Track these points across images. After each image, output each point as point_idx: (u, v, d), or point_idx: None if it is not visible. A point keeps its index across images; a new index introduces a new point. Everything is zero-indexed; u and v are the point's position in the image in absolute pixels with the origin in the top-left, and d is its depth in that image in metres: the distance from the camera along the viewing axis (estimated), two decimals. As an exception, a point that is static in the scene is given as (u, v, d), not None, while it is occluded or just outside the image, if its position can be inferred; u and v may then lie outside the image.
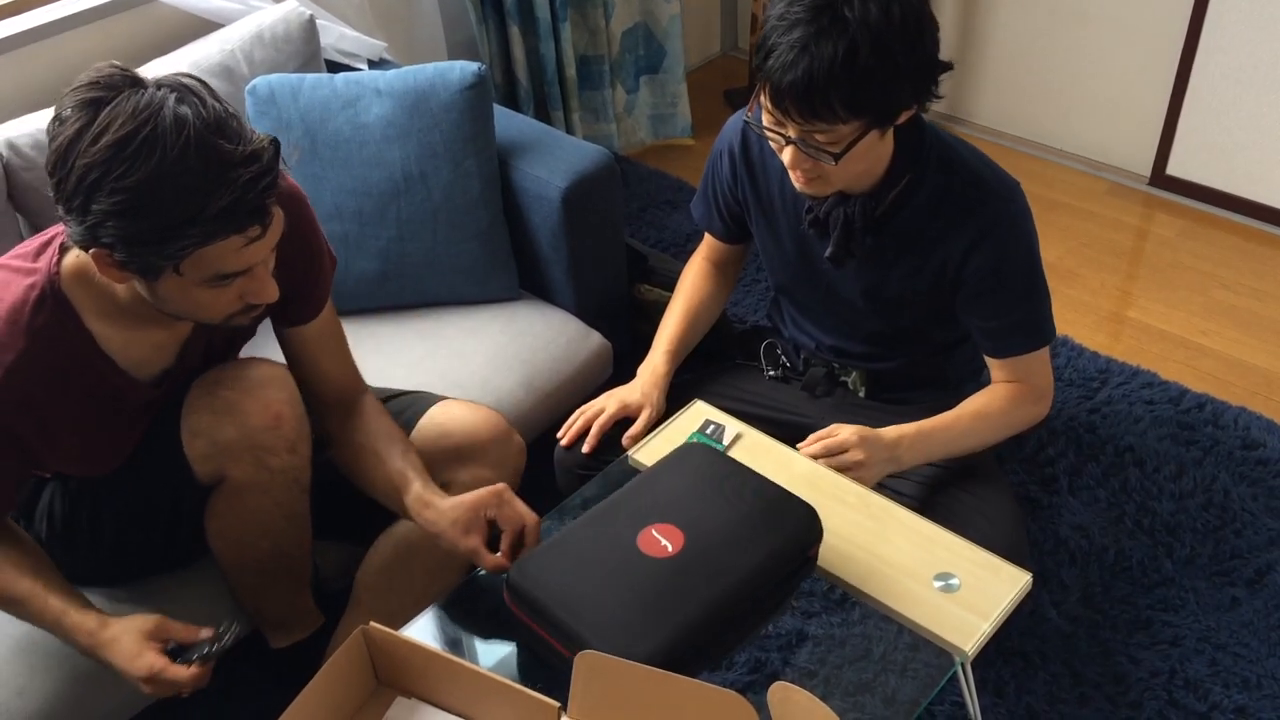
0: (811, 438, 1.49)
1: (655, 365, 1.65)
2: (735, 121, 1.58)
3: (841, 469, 1.46)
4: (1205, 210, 2.86)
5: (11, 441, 1.31)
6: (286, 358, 1.57)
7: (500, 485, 1.41)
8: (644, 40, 3.08)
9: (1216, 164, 2.81)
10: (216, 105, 1.15)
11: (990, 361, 1.57)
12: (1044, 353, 1.55)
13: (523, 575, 1.24)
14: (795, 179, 1.40)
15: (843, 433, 1.48)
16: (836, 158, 1.32)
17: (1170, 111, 2.82)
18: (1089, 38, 2.89)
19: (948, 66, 1.35)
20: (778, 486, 1.33)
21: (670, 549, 1.24)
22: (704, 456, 1.38)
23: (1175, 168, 2.89)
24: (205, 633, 1.33)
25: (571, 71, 2.89)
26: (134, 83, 1.14)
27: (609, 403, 1.60)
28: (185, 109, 1.12)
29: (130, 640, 1.32)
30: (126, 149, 1.09)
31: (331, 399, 1.57)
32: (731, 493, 1.31)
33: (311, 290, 1.50)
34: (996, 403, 1.54)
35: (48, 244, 1.32)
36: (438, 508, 1.41)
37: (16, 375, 1.27)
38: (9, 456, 1.33)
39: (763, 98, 1.33)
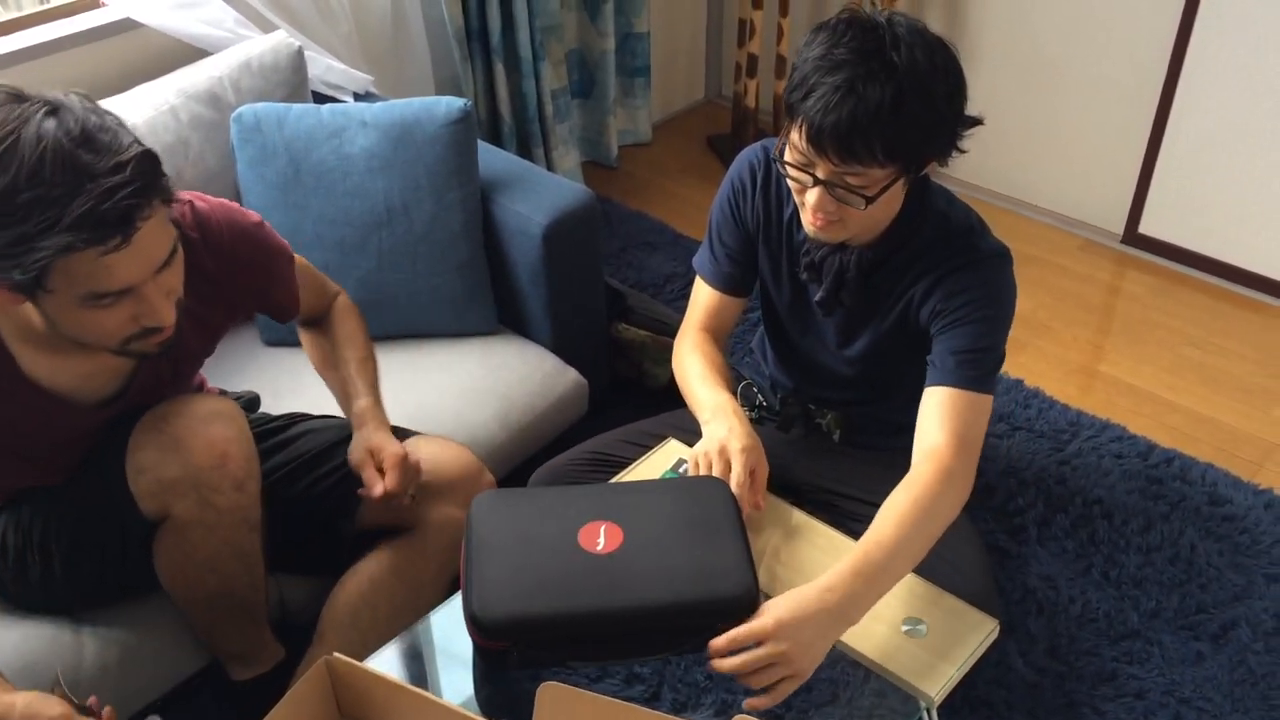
0: (724, 643, 1.21)
1: (724, 402, 1.48)
2: (750, 152, 1.57)
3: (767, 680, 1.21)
4: (1176, 269, 2.91)
5: None
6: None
7: (388, 456, 1.52)
8: (578, 66, 3.16)
9: (1188, 224, 2.87)
10: (93, 119, 1.15)
11: (927, 403, 1.41)
12: (985, 405, 1.41)
13: (479, 507, 1.33)
14: (812, 221, 1.37)
15: (759, 624, 1.21)
16: (868, 201, 1.31)
17: (1144, 171, 2.87)
18: (1065, 96, 2.95)
19: (977, 121, 1.35)
20: (746, 557, 1.28)
21: (600, 548, 1.26)
22: (714, 494, 1.35)
23: (1147, 226, 2.94)
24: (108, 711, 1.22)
25: (550, 109, 2.93)
26: (14, 99, 1.14)
27: (736, 461, 1.40)
28: (50, 123, 1.12)
29: None
30: None
31: (317, 316, 1.70)
32: (699, 534, 1.30)
33: (284, 298, 1.60)
34: (929, 484, 1.33)
35: None
36: (359, 435, 1.56)
37: None
38: None
39: (794, 136, 1.31)
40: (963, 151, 1.37)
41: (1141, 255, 2.96)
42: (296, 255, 1.62)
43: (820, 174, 1.31)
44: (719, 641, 1.21)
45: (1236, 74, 2.62)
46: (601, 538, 1.28)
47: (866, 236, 1.45)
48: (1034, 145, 3.07)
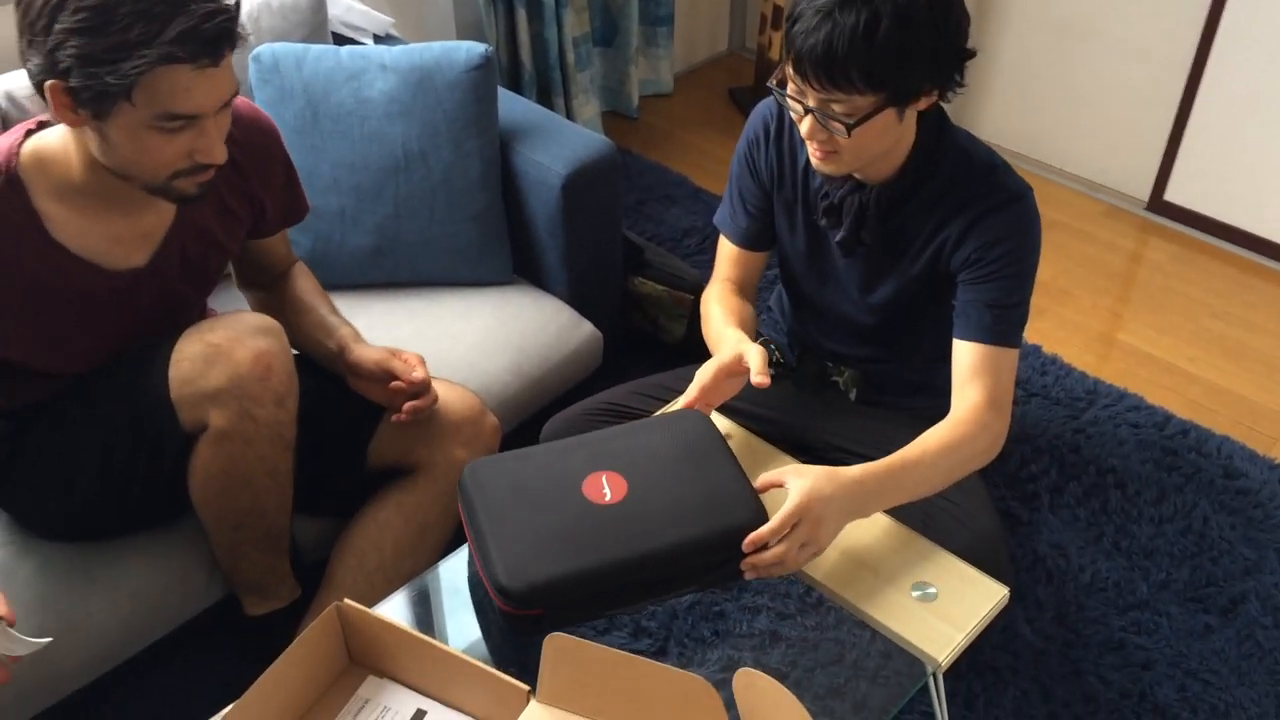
0: (753, 539, 1.25)
1: (727, 336, 1.50)
2: (765, 104, 1.58)
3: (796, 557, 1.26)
4: (1200, 238, 2.87)
5: None
6: (239, 258, 1.68)
7: (410, 355, 1.57)
8: (600, 13, 3.11)
9: (1215, 193, 2.82)
10: None
11: (959, 358, 1.45)
12: (1014, 359, 1.48)
13: (473, 476, 1.30)
14: (812, 153, 1.41)
15: (775, 523, 1.25)
16: (849, 129, 1.32)
17: (1172, 138, 2.82)
18: (1095, 59, 2.90)
19: (970, 54, 1.36)
20: (745, 480, 1.32)
21: (608, 498, 1.26)
22: (696, 425, 1.37)
23: (1173, 194, 2.89)
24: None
25: (571, 57, 2.89)
26: None
27: (706, 370, 1.44)
28: None
29: None
30: None
31: (274, 277, 1.71)
32: (696, 467, 1.31)
33: (294, 199, 1.64)
34: (963, 429, 1.41)
35: (16, 133, 1.38)
36: (354, 353, 1.58)
37: None
38: None
39: (788, 67, 1.35)
40: (962, 85, 1.38)
41: (1166, 223, 2.93)
42: None
43: (810, 102, 1.34)
44: (762, 531, 1.24)
45: (1271, 43, 2.56)
46: (606, 488, 1.27)
47: (873, 172, 1.45)
48: (1062, 109, 3.03)
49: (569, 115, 2.96)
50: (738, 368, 1.43)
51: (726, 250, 1.66)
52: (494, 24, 2.72)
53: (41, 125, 1.38)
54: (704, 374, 1.44)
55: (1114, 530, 2.05)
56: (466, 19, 2.75)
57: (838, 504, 1.28)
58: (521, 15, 2.72)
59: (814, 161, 1.42)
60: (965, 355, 1.45)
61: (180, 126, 1.27)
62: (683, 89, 3.48)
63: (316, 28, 2.10)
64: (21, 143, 1.36)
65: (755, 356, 1.40)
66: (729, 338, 1.49)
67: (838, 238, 1.52)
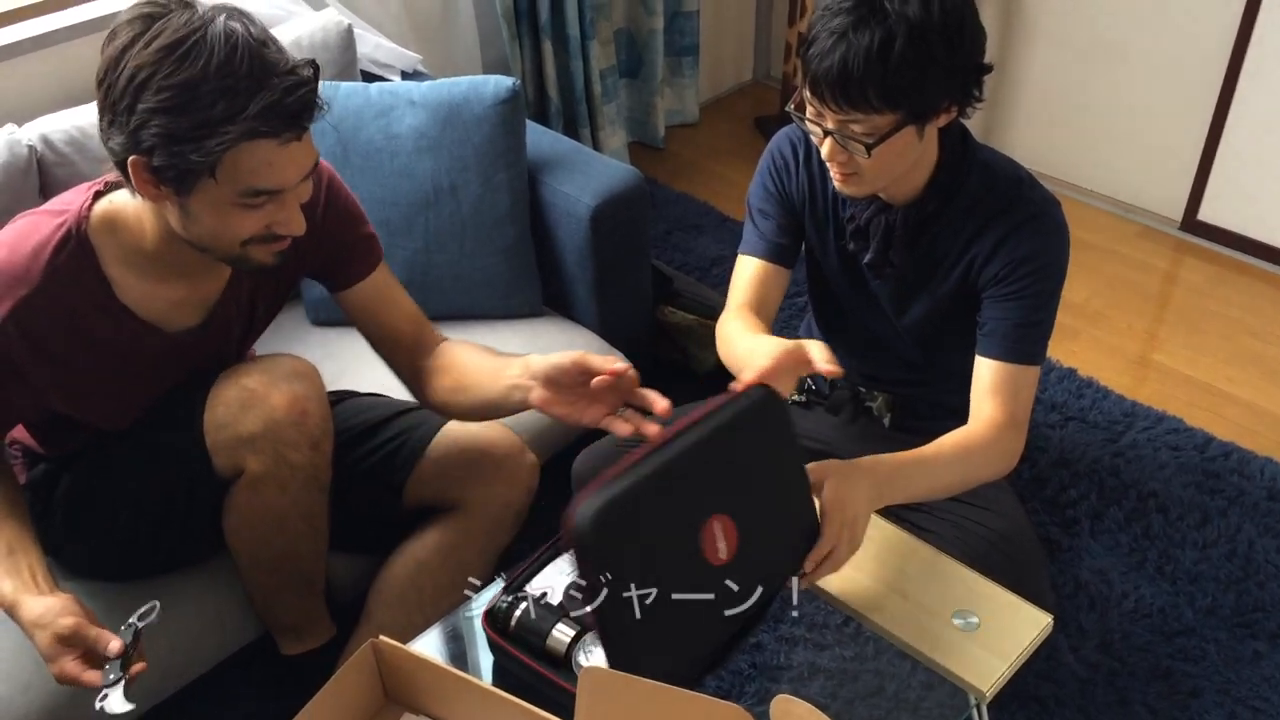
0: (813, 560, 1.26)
1: (765, 339, 1.43)
2: (791, 129, 1.58)
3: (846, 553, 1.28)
4: (1236, 257, 2.83)
5: (12, 372, 1.34)
6: (356, 323, 1.60)
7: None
8: (626, 45, 3.13)
9: (1249, 211, 2.79)
10: (263, 29, 1.23)
11: (980, 374, 1.45)
12: (1035, 375, 1.48)
13: (592, 519, 1.10)
14: (834, 175, 1.41)
15: (827, 535, 1.25)
16: (869, 149, 1.32)
17: (1204, 156, 2.80)
18: (1126, 79, 2.88)
19: (987, 69, 1.36)
20: (807, 488, 1.26)
21: (723, 555, 1.19)
22: (775, 418, 1.25)
23: (1207, 213, 2.86)
24: (114, 646, 1.24)
25: (598, 88, 2.91)
26: (186, 5, 1.22)
27: (762, 353, 1.30)
28: (235, 24, 1.20)
29: (43, 640, 1.25)
30: (176, 51, 1.17)
31: (408, 349, 1.58)
32: (777, 480, 1.25)
33: (360, 244, 1.54)
34: (977, 437, 1.41)
35: (84, 193, 1.37)
36: (545, 361, 1.36)
37: (25, 310, 1.31)
38: (6, 387, 1.35)
39: (805, 90, 1.35)
40: (980, 100, 1.38)
41: (1200, 242, 2.89)
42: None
43: (829, 124, 1.34)
44: (817, 552, 1.24)
45: (1305, 57, 2.54)
46: (720, 540, 1.18)
47: (897, 192, 1.45)
48: (1092, 129, 3.01)
49: (595, 146, 2.97)
50: (801, 353, 1.29)
51: (747, 271, 1.60)
52: (520, 58, 2.74)
53: (109, 185, 1.37)
54: (761, 358, 1.27)
55: (1157, 555, 2.01)
56: (493, 54, 2.77)
57: (863, 494, 1.27)
58: (548, 49, 2.75)
59: (836, 184, 1.42)
60: (986, 372, 1.46)
61: (262, 202, 1.25)
62: (708, 118, 3.49)
63: (346, 66, 2.12)
64: (91, 204, 1.34)
65: (816, 347, 1.29)
66: (769, 338, 1.40)
67: (866, 259, 1.52)
